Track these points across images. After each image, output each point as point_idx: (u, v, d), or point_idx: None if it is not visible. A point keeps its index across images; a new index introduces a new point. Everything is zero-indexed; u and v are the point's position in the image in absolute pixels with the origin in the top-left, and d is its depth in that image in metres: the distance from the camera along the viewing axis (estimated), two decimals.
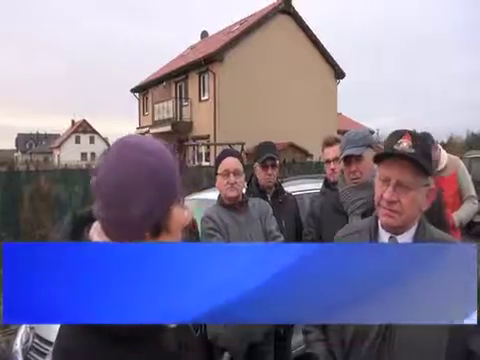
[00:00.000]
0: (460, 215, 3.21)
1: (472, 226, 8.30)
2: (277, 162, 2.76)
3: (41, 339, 2.59)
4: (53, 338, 2.86)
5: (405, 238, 1.27)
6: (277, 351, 2.65)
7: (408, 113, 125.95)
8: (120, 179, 0.80)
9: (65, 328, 0.83)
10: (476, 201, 3.36)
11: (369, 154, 2.14)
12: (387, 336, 1.20)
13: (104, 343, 0.77)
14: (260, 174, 2.70)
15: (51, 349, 2.73)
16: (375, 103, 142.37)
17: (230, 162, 2.33)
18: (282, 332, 2.65)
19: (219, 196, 2.42)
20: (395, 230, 1.28)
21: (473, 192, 3.34)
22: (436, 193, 1.34)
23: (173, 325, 0.85)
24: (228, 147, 12.05)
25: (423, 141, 1.26)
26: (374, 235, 1.32)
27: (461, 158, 3.83)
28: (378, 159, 1.29)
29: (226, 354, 0.86)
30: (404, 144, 1.22)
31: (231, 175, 2.29)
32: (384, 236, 1.30)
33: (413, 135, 1.25)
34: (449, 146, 28.38)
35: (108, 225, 0.82)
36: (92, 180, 0.84)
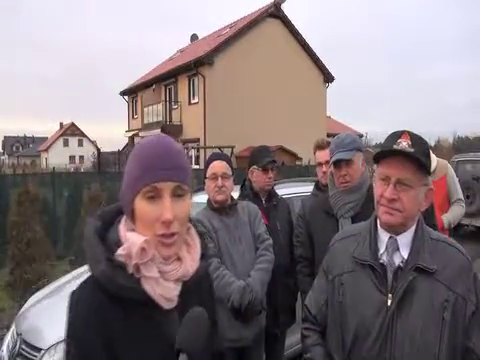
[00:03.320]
0: (449, 217, 3.25)
1: (459, 228, 8.44)
2: (275, 166, 2.77)
3: (28, 345, 2.54)
4: (40, 344, 2.80)
5: (405, 238, 1.26)
6: (270, 353, 2.65)
7: (396, 117, 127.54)
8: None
9: (79, 286, 0.94)
10: (463, 204, 3.41)
11: (359, 157, 2.15)
12: (389, 334, 1.20)
13: (108, 300, 0.88)
14: (259, 177, 2.69)
15: (38, 355, 2.67)
16: (364, 107, 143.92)
17: (218, 166, 2.32)
18: (278, 333, 2.65)
19: (208, 199, 2.41)
20: (395, 229, 1.27)
21: (461, 195, 3.39)
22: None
23: (168, 303, 0.92)
24: (218, 150, 12.06)
25: (421, 141, 1.26)
26: (374, 236, 1.32)
27: (448, 161, 3.87)
28: (378, 158, 1.28)
29: (182, 356, 0.85)
30: (403, 143, 1.22)
31: (219, 179, 2.28)
32: (384, 236, 1.30)
33: (412, 135, 1.25)
34: (436, 149, 28.80)
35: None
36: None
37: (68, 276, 3.49)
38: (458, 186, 3.41)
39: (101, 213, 1.00)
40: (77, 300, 0.91)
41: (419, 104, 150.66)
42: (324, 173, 2.62)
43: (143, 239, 0.89)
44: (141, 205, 0.90)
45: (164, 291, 0.91)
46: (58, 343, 2.41)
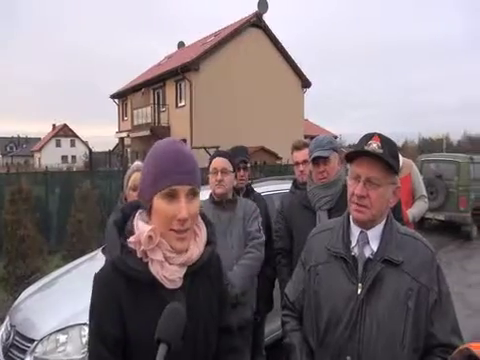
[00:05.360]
0: (413, 212, 3.32)
1: (424, 221, 8.65)
2: (248, 165, 2.77)
3: (22, 336, 2.48)
4: (33, 335, 2.75)
5: (374, 232, 1.29)
6: (252, 339, 2.66)
7: (367, 120, 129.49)
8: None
9: (101, 268, 1.05)
10: (426, 200, 3.49)
11: (335, 157, 2.21)
12: (358, 321, 1.22)
13: (121, 279, 0.99)
14: None
15: (31, 346, 2.62)
16: (338, 110, 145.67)
17: (218, 161, 2.35)
18: (257, 319, 2.66)
19: (211, 193, 2.43)
20: (365, 225, 1.29)
21: (424, 192, 3.47)
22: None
23: (172, 284, 1.00)
24: (204, 151, 12.02)
25: (390, 143, 1.28)
26: (346, 230, 1.34)
27: (414, 161, 3.95)
28: (350, 158, 1.30)
29: (162, 345, 0.86)
30: (374, 145, 1.24)
31: (219, 173, 2.30)
32: (355, 231, 1.32)
33: (382, 137, 1.27)
34: (403, 150, 29.41)
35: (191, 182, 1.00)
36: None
37: (60, 270, 3.43)
38: (422, 183, 3.49)
39: (123, 207, 1.10)
40: (97, 278, 1.02)
41: (389, 108, 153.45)
42: (301, 172, 2.65)
43: (149, 228, 0.97)
44: (159, 204, 0.98)
45: (168, 273, 0.98)
46: (50, 334, 2.37)
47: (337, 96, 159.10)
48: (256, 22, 19.05)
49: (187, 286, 1.04)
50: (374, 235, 1.28)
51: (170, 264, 0.99)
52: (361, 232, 1.30)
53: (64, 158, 55.36)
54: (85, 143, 56.09)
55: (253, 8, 19.34)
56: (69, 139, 59.57)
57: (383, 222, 1.30)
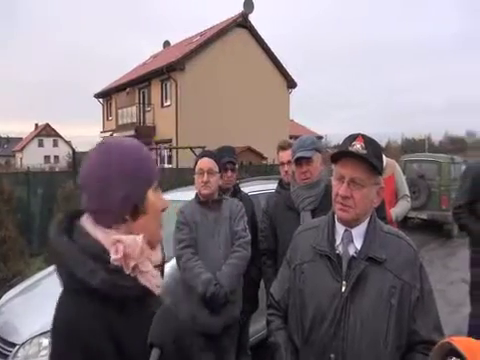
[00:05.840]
0: (396, 211, 3.38)
1: (407, 220, 8.81)
2: (236, 166, 2.77)
3: (3, 341, 2.43)
4: (15, 339, 2.68)
5: (358, 231, 1.30)
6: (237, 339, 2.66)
7: (353, 120, 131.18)
8: (100, 176, 0.89)
9: (61, 294, 0.90)
10: (409, 199, 3.55)
11: (317, 157, 2.22)
12: (342, 318, 1.23)
13: (95, 304, 0.84)
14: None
15: (13, 350, 2.56)
16: (324, 111, 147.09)
17: (204, 162, 2.35)
18: (243, 319, 2.67)
19: (196, 193, 2.43)
20: (349, 223, 1.30)
21: (407, 192, 3.53)
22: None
23: (159, 290, 0.95)
24: (189, 150, 11.96)
25: (374, 144, 1.29)
26: (331, 229, 1.35)
27: (398, 161, 4.02)
28: (335, 159, 1.31)
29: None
30: (357, 146, 1.25)
31: (205, 174, 2.30)
32: (340, 229, 1.33)
33: (365, 138, 1.28)
34: (386, 150, 29.89)
35: (93, 214, 0.91)
36: (78, 177, 0.93)
37: (42, 273, 3.36)
38: (405, 183, 3.55)
39: (61, 229, 0.92)
40: (74, 327, 0.83)
41: (374, 108, 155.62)
42: (286, 172, 2.66)
43: (140, 239, 0.89)
44: (155, 197, 0.95)
45: (158, 280, 0.94)
46: (33, 338, 2.33)
47: (323, 96, 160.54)
48: (242, 22, 19.07)
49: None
50: (358, 233, 1.29)
51: (154, 269, 0.95)
52: (345, 230, 1.31)
53: (47, 158, 54.29)
54: (68, 143, 55.10)
55: (239, 8, 19.40)
56: (52, 139, 58.46)
57: (367, 221, 1.31)
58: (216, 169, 2.35)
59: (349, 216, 1.27)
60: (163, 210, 0.97)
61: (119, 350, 0.85)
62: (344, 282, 1.25)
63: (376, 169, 1.25)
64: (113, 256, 0.87)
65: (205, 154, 2.42)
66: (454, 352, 0.92)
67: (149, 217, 0.94)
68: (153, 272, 0.93)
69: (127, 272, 0.88)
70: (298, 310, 1.34)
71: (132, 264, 0.88)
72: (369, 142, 1.27)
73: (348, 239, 1.30)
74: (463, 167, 9.14)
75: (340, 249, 1.30)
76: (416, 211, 8.81)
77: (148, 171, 0.95)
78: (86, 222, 0.93)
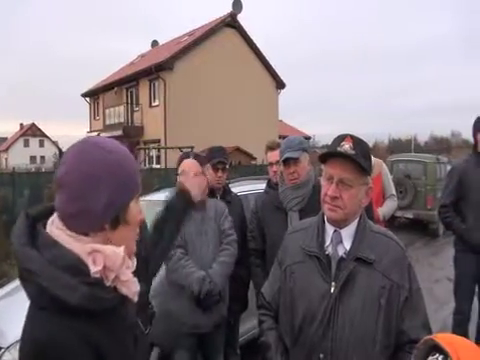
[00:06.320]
0: (384, 210, 3.42)
1: (394, 219, 8.93)
2: (227, 166, 2.77)
3: None
4: (0, 343, 2.61)
5: (347, 231, 1.30)
6: (226, 339, 2.67)
7: (339, 121, 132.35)
8: (84, 174, 0.81)
9: (29, 311, 0.82)
10: (396, 199, 3.60)
11: (305, 157, 2.23)
12: (331, 318, 1.24)
13: (72, 320, 0.77)
14: (211, 176, 2.69)
15: None
16: (312, 112, 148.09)
17: (188, 163, 2.33)
18: (231, 321, 2.67)
19: None
20: (338, 224, 1.31)
21: (394, 191, 3.58)
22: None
23: (137, 296, 0.91)
24: (178, 151, 11.90)
25: (363, 144, 1.29)
26: (321, 229, 1.35)
27: (385, 161, 4.07)
28: (323, 159, 1.31)
29: (155, 349, 0.85)
30: (346, 146, 1.25)
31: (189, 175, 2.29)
32: (329, 229, 1.33)
33: (354, 138, 1.28)
34: (373, 150, 30.28)
35: (69, 218, 0.82)
36: (55, 176, 0.84)
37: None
38: (391, 183, 3.60)
39: (26, 238, 0.81)
40: (54, 346, 0.76)
41: (362, 109, 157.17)
42: (275, 172, 2.67)
43: (121, 251, 0.84)
44: (136, 207, 0.89)
45: (137, 287, 0.91)
46: (18, 342, 2.28)
47: (311, 97, 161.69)
48: (230, 22, 19.08)
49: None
50: (347, 234, 1.30)
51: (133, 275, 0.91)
52: (334, 231, 1.31)
53: (33, 158, 53.38)
54: (55, 143, 54.26)
55: (228, 8, 19.39)
56: (38, 139, 57.51)
57: (356, 221, 1.31)
58: (200, 170, 2.35)
59: (338, 216, 1.28)
60: (140, 224, 0.91)
61: None
62: (333, 283, 1.25)
63: (364, 169, 1.25)
64: (93, 268, 0.80)
65: (188, 155, 2.42)
66: (437, 348, 0.94)
67: (129, 229, 0.88)
68: (132, 279, 0.90)
69: (107, 284, 0.83)
70: (288, 310, 1.35)
71: (112, 276, 0.83)
72: (357, 142, 1.27)
73: (337, 240, 1.30)
74: (448, 167, 9.32)
75: (329, 250, 1.30)
76: (402, 210, 8.93)
77: (135, 179, 0.89)
78: (53, 227, 0.84)
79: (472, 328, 3.13)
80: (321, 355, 1.24)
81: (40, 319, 0.78)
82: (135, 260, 0.94)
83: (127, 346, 0.90)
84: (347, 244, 1.29)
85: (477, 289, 3.11)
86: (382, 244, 1.29)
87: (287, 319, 1.36)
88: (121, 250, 0.84)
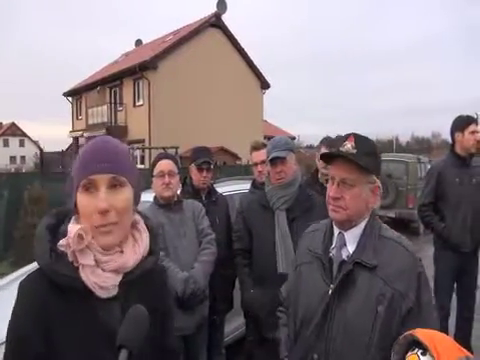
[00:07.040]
0: None
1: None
2: (212, 166, 2.77)
3: None
4: None
5: (353, 234, 1.27)
6: (210, 339, 2.66)
7: (326, 121, 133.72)
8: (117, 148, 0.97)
9: (26, 277, 0.94)
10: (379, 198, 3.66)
11: (291, 157, 2.26)
12: (327, 321, 1.24)
13: (50, 289, 0.89)
14: (196, 176, 2.69)
15: None
16: (297, 112, 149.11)
17: (164, 164, 2.31)
18: (217, 320, 2.67)
19: (155, 197, 2.38)
20: (342, 225, 1.28)
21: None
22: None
23: (102, 292, 0.92)
24: (162, 151, 11.82)
25: (367, 142, 1.27)
26: (329, 232, 1.35)
27: None
28: (327, 161, 1.31)
29: (124, 351, 0.83)
30: (348, 145, 1.24)
31: (166, 176, 2.27)
32: (336, 232, 1.32)
33: (357, 137, 1.26)
34: None
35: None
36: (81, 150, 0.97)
37: (8, 278, 3.23)
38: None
39: (56, 211, 1.00)
40: (21, 287, 0.92)
41: (347, 110, 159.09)
42: (260, 172, 2.68)
43: (79, 226, 0.90)
44: (81, 198, 0.91)
45: (98, 280, 0.90)
46: (2, 344, 2.23)
47: (296, 97, 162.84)
48: (215, 22, 19.06)
49: (123, 297, 0.94)
50: (352, 237, 1.27)
51: (103, 270, 0.91)
52: (339, 233, 1.30)
53: (12, 159, 52.13)
54: (35, 143, 53.06)
55: (212, 8, 19.35)
56: (18, 138, 56.16)
57: (363, 224, 1.28)
58: (176, 171, 2.34)
59: (340, 217, 1.26)
60: (99, 212, 0.89)
61: (46, 333, 0.88)
62: (332, 285, 1.25)
63: (366, 168, 1.23)
64: (61, 241, 0.91)
65: (164, 156, 2.41)
66: (417, 343, 0.97)
67: (81, 216, 0.93)
68: (97, 270, 0.90)
69: (70, 259, 0.91)
70: (293, 309, 1.39)
71: (71, 250, 0.90)
72: (360, 141, 1.25)
73: (341, 242, 1.28)
74: (428, 167, 9.54)
75: (334, 252, 1.29)
76: (384, 209, 9.06)
77: (75, 170, 0.94)
78: (73, 220, 0.97)
79: (451, 324, 3.21)
80: (315, 355, 1.25)
81: (30, 273, 0.94)
82: (117, 257, 0.94)
83: (90, 342, 0.89)
84: (351, 247, 1.26)
85: (455, 286, 3.19)
86: (389, 250, 1.24)
87: (291, 318, 1.40)
88: (77, 227, 0.90)
